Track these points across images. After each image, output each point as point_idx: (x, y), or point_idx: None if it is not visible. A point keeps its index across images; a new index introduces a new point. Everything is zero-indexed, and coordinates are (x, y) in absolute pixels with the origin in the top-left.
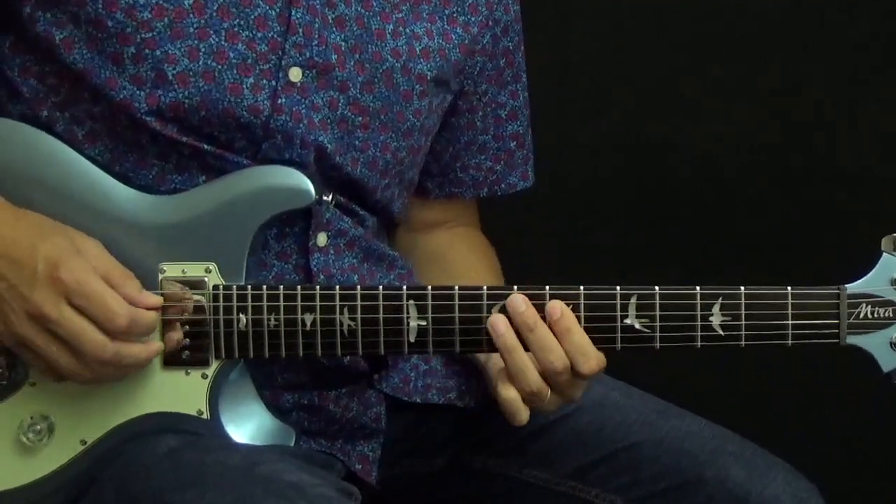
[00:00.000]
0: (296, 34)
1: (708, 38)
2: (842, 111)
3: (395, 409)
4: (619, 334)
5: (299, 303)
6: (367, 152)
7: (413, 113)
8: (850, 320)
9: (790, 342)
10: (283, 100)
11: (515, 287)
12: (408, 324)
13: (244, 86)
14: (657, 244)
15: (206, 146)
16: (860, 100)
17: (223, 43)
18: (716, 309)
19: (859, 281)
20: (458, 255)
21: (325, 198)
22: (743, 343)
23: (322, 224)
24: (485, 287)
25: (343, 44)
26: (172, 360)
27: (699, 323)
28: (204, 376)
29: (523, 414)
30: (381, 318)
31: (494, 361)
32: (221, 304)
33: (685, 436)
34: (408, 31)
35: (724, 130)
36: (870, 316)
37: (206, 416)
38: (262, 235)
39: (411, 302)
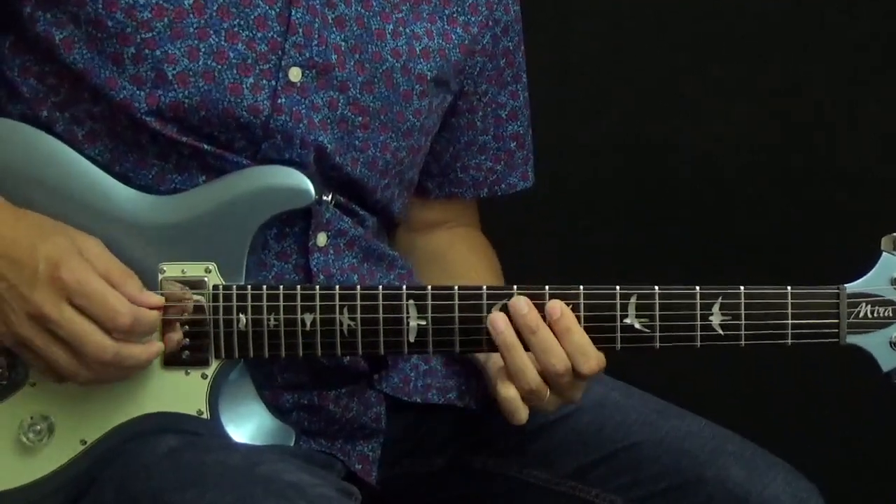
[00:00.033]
0: (296, 34)
1: (708, 38)
2: (842, 111)
3: (395, 409)
4: (618, 334)
5: (299, 303)
6: (367, 152)
7: (413, 113)
8: (850, 320)
9: (790, 342)
10: (283, 100)
11: (515, 287)
12: (407, 324)
13: (244, 86)
14: (657, 244)
15: (205, 146)
16: (860, 100)
17: (223, 43)
18: (715, 308)
19: (859, 280)
20: (458, 256)
21: (324, 198)
22: (743, 343)
23: (322, 224)
24: (484, 287)
25: (343, 44)
26: (172, 360)
27: (699, 322)
28: (204, 376)
29: (522, 413)
30: (381, 318)
31: (494, 361)
32: (221, 304)
33: (685, 436)
34: (408, 31)
35: (724, 131)
36: (869, 315)
37: (205, 416)
38: (262, 235)
39: (411, 302)
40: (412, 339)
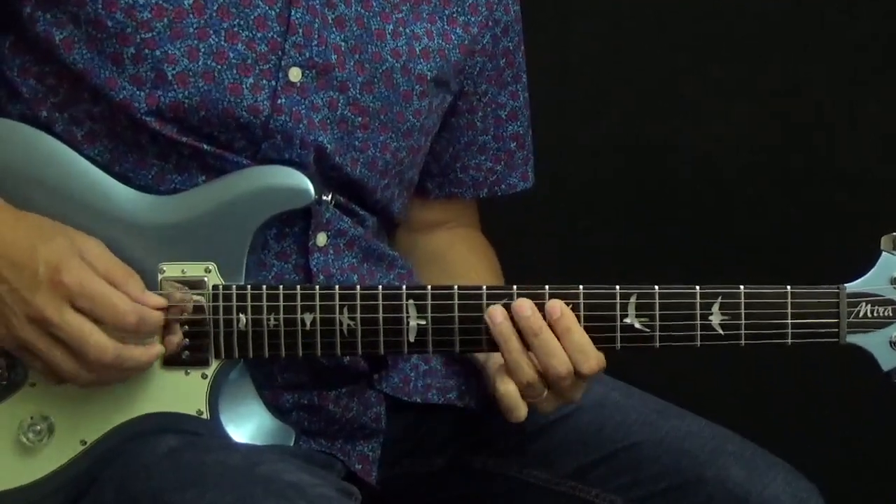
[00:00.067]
0: (295, 34)
1: (708, 38)
2: (842, 112)
3: (395, 409)
4: (618, 333)
5: (299, 303)
6: (367, 152)
7: (413, 113)
8: (850, 319)
9: (790, 341)
10: (283, 100)
11: (515, 287)
12: (407, 323)
13: (244, 86)
14: (657, 244)
15: (205, 146)
16: (860, 100)
17: (223, 43)
18: (715, 308)
19: (859, 280)
20: (458, 256)
21: (324, 198)
22: (742, 342)
23: (322, 224)
24: (484, 287)
25: (343, 44)
26: (172, 360)
27: (699, 322)
28: (204, 376)
29: (522, 410)
30: (381, 318)
31: (494, 361)
32: (221, 303)
33: (685, 436)
34: (408, 31)
35: (724, 131)
36: (869, 315)
37: (205, 416)
38: (262, 235)
39: (411, 301)
40: (412, 339)
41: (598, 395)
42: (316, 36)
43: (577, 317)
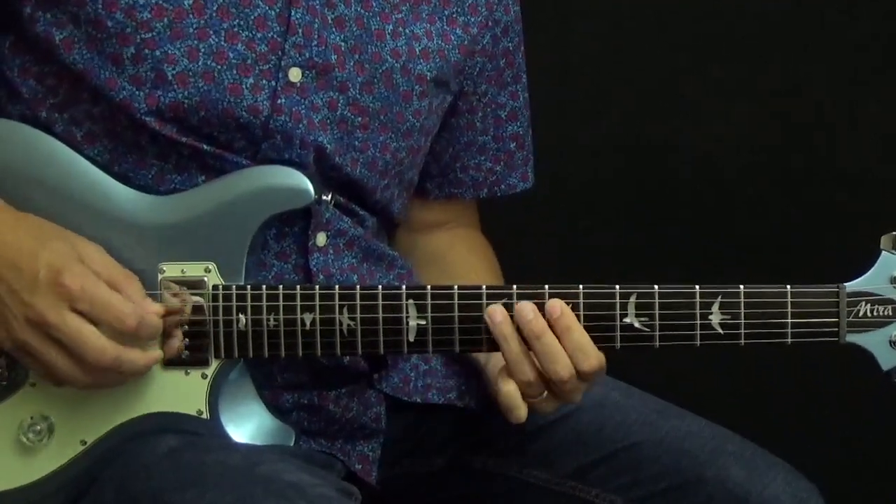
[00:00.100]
0: (295, 34)
1: (708, 38)
2: (842, 112)
3: (395, 409)
4: (618, 333)
5: (299, 303)
6: (367, 153)
7: (413, 113)
8: (850, 318)
9: (790, 341)
10: (283, 100)
11: (515, 287)
12: (407, 323)
13: (244, 86)
14: (657, 244)
15: (205, 146)
16: (860, 100)
17: (223, 43)
18: (715, 307)
19: (859, 279)
20: (457, 256)
21: (324, 198)
22: (742, 342)
23: (321, 224)
24: (484, 287)
25: (343, 44)
26: (172, 360)
27: (698, 322)
28: (204, 376)
29: (522, 410)
30: (381, 318)
31: (494, 362)
32: (221, 304)
33: (685, 436)
34: (407, 31)
35: (724, 131)
36: (869, 314)
37: (205, 415)
38: (262, 235)
39: (411, 301)
40: (412, 339)
41: (598, 395)
42: (316, 36)
43: (577, 316)
